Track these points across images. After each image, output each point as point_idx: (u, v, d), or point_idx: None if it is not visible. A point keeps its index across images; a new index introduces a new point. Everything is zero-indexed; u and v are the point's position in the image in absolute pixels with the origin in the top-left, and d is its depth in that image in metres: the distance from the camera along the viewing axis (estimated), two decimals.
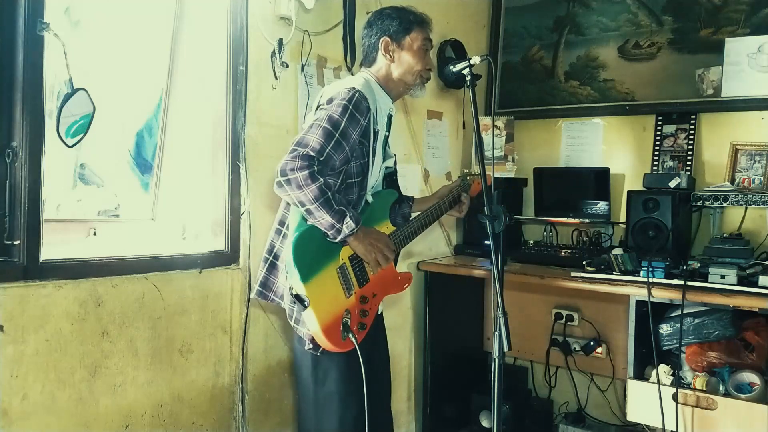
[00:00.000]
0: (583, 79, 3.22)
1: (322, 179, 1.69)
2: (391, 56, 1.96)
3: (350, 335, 1.78)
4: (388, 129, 2.01)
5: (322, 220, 1.72)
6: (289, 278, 1.81)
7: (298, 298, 1.76)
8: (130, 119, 2.40)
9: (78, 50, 2.02)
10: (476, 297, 3.26)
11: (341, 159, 1.77)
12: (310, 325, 1.79)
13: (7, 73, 1.70)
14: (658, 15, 3.01)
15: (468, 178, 2.31)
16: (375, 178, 1.96)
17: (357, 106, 1.77)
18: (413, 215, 2.14)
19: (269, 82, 2.37)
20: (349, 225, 1.72)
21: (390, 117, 2.01)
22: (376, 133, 1.88)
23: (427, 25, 2.00)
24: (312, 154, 1.69)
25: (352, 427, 1.85)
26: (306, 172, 1.67)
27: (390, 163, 2.04)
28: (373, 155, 1.90)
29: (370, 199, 1.93)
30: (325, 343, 1.79)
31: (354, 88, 1.81)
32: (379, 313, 2.05)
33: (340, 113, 1.75)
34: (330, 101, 1.82)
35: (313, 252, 1.77)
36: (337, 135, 1.73)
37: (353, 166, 1.85)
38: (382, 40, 1.95)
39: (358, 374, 1.81)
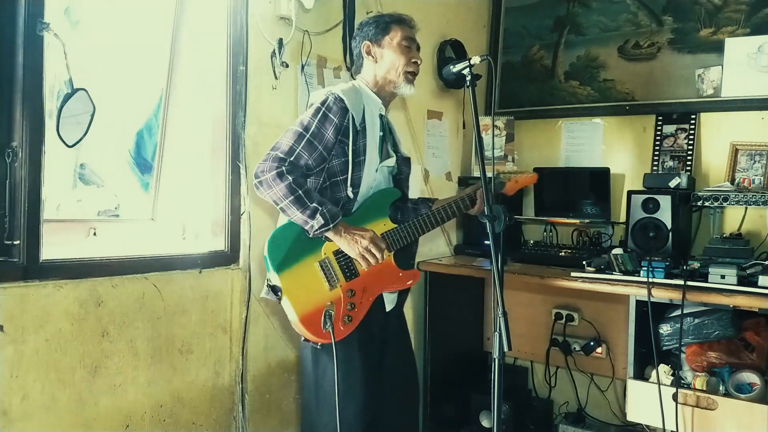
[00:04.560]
0: (583, 79, 3.22)
1: (291, 177, 1.78)
2: (373, 57, 2.02)
3: (330, 327, 1.81)
4: (383, 130, 2.02)
5: (295, 216, 1.81)
6: (267, 271, 1.88)
7: (273, 289, 1.85)
8: (130, 119, 2.40)
9: (78, 50, 2.02)
10: (476, 297, 3.26)
11: (315, 158, 1.85)
12: (289, 315, 1.86)
13: (7, 73, 1.70)
14: (658, 15, 3.01)
15: (501, 175, 2.38)
16: (371, 177, 1.96)
17: (330, 107, 1.86)
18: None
19: (269, 82, 2.37)
20: (318, 221, 1.78)
21: (381, 117, 2.03)
22: (358, 132, 1.91)
23: (406, 23, 2.03)
24: (281, 155, 1.81)
25: (351, 423, 1.86)
26: (274, 172, 1.78)
27: (390, 162, 2.04)
28: (361, 154, 1.92)
29: (352, 196, 1.92)
30: (304, 332, 1.85)
31: (330, 91, 1.90)
32: (389, 311, 2.03)
33: (311, 115, 1.87)
34: (310, 106, 1.94)
35: (290, 245, 1.86)
36: (307, 135, 1.84)
37: (335, 164, 1.90)
38: (363, 45, 2.03)
39: (358, 371, 1.87)
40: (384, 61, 1.99)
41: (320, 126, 1.85)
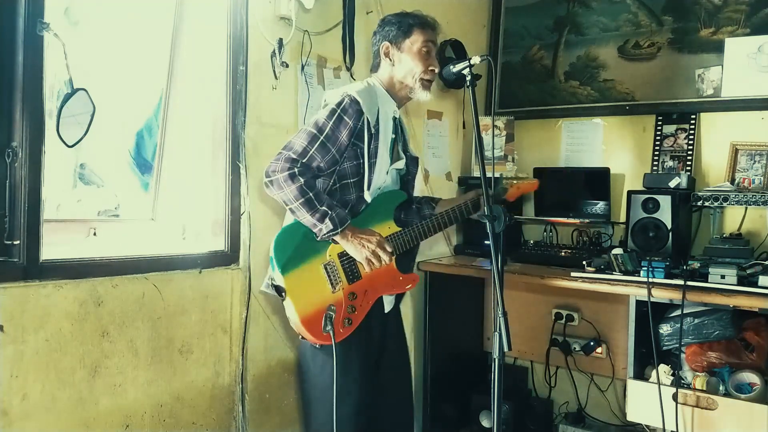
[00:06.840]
0: (583, 79, 3.22)
1: (303, 179, 1.78)
2: (391, 60, 1.98)
3: (330, 329, 1.81)
4: (395, 132, 2.01)
5: (304, 218, 1.81)
6: (270, 270, 1.88)
7: (276, 289, 1.86)
8: (130, 119, 2.40)
9: (78, 50, 2.02)
10: (476, 297, 3.26)
11: (328, 160, 1.84)
12: (290, 315, 1.86)
13: (7, 73, 1.70)
14: (658, 15, 3.01)
15: (505, 182, 2.29)
16: (381, 179, 1.96)
17: (345, 109, 1.84)
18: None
19: (269, 82, 2.37)
20: (327, 225, 1.79)
21: (395, 119, 2.01)
22: (372, 135, 1.89)
23: (429, 27, 2.00)
24: (294, 156, 1.80)
25: (345, 422, 1.86)
26: (286, 173, 1.77)
27: (400, 165, 2.04)
28: (373, 157, 1.91)
29: (368, 199, 1.93)
30: (305, 333, 1.84)
31: (347, 93, 1.88)
32: (390, 311, 2.04)
33: (326, 117, 1.85)
34: (324, 106, 1.91)
35: (296, 246, 1.85)
36: (321, 137, 1.82)
37: (346, 167, 1.89)
38: (383, 45, 1.99)
39: (354, 371, 1.87)
40: (402, 65, 1.96)
41: (335, 128, 1.83)
